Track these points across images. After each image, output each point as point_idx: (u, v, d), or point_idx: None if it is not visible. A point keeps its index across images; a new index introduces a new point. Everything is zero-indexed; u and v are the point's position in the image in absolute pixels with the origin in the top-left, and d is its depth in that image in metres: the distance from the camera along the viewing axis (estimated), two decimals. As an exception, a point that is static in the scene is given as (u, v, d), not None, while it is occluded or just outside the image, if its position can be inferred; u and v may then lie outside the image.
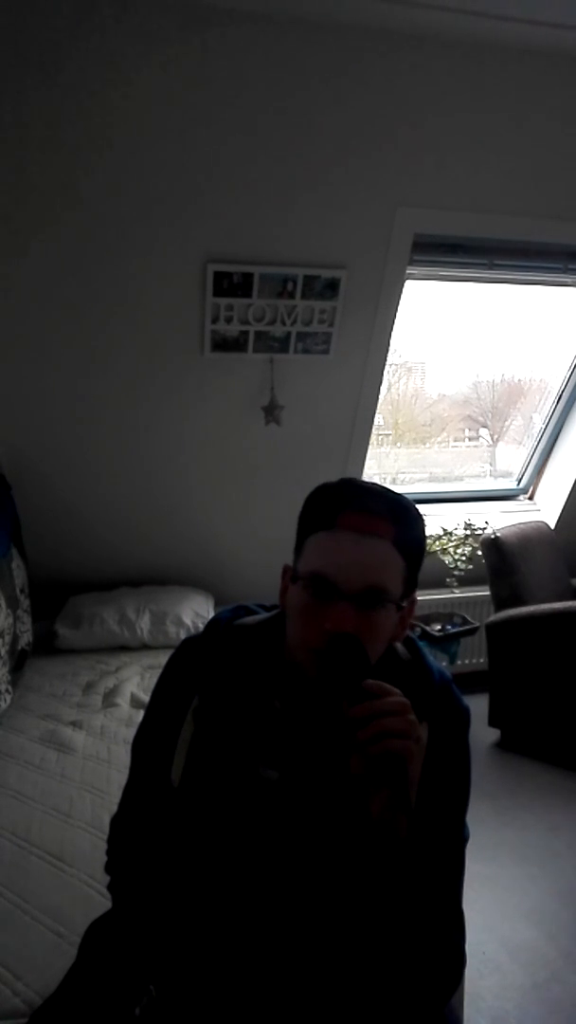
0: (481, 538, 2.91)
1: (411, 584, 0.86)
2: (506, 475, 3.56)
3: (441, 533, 2.94)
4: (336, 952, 0.84)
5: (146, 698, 2.18)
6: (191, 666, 0.96)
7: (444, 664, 2.91)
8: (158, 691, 1.00)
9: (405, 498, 0.86)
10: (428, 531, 3.05)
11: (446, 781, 0.86)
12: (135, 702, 2.18)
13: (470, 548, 2.94)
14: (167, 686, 0.98)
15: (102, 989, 0.92)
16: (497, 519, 3.13)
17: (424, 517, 0.88)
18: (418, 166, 2.15)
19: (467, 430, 3.68)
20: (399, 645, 0.93)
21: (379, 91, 1.98)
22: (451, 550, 2.93)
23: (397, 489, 0.87)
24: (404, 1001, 0.83)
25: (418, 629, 2.78)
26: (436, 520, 3.00)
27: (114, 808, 1.65)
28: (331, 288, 2.31)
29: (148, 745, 0.99)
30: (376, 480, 3.29)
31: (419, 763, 0.74)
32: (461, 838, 0.88)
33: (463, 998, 1.36)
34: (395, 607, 0.83)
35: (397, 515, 0.82)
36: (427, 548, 0.90)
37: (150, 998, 0.89)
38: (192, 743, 0.90)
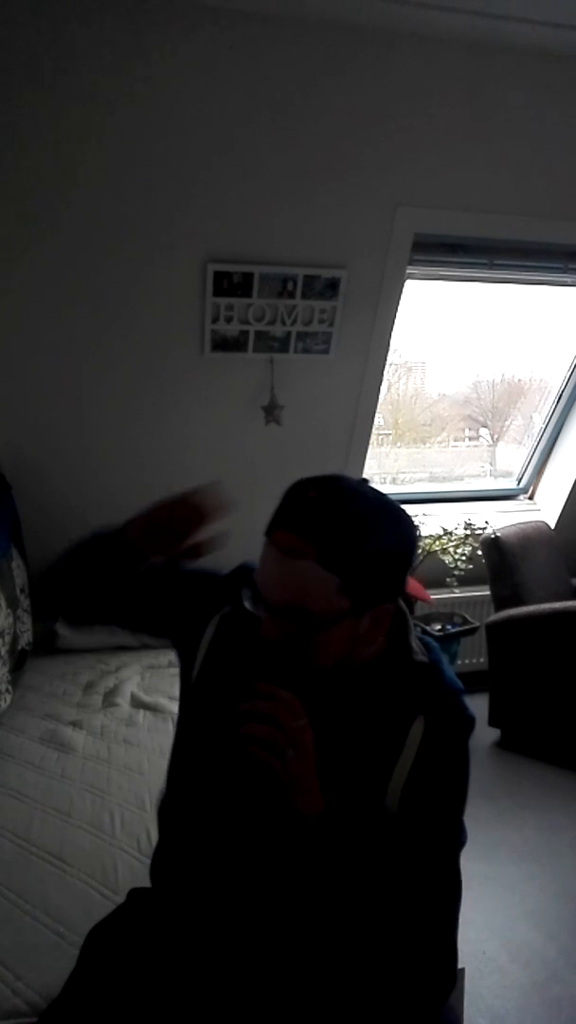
0: (481, 538, 2.91)
1: (364, 594, 0.82)
2: (506, 475, 3.56)
3: (441, 533, 2.94)
4: (319, 946, 0.85)
5: (146, 698, 2.19)
6: (236, 581, 0.99)
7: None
8: (203, 576, 1.06)
9: (344, 509, 0.81)
10: (427, 531, 3.03)
11: (439, 785, 0.85)
12: (135, 702, 2.18)
13: (470, 548, 2.94)
14: (212, 582, 1.04)
15: (105, 994, 0.92)
16: (497, 519, 3.13)
17: (373, 524, 0.82)
18: (418, 166, 2.15)
19: (467, 430, 3.68)
20: (416, 647, 0.92)
21: (379, 90, 1.98)
22: (451, 550, 2.93)
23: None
24: (392, 998, 0.83)
25: (418, 629, 2.78)
26: (436, 520, 3.00)
27: (114, 808, 1.67)
28: (331, 288, 2.31)
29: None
30: (376, 479, 3.30)
31: (297, 767, 0.78)
32: (455, 843, 0.87)
33: (463, 998, 1.36)
34: (323, 624, 0.81)
35: (321, 533, 0.79)
36: (399, 553, 0.86)
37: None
38: (210, 646, 0.97)
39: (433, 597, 3.10)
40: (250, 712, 0.78)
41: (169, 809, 1.03)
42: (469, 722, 0.89)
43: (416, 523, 0.88)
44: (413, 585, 0.93)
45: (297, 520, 0.80)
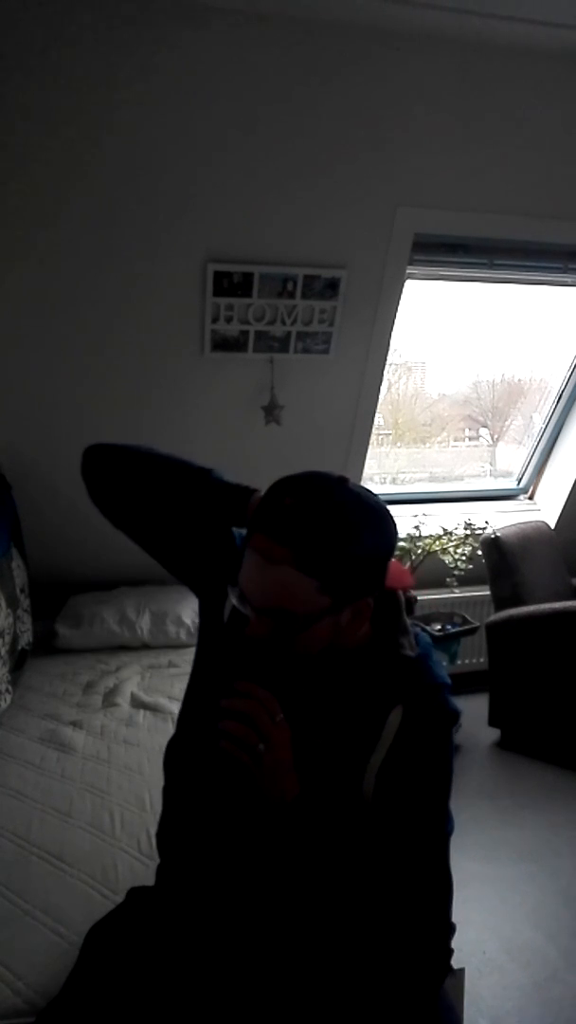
0: (481, 538, 2.91)
1: (344, 591, 0.84)
2: (506, 475, 3.56)
3: (441, 533, 2.94)
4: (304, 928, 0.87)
5: (146, 698, 2.19)
6: None
7: (444, 663, 2.91)
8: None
9: (320, 514, 0.82)
10: (427, 531, 3.02)
11: (415, 771, 0.87)
12: (135, 702, 2.18)
13: (470, 548, 2.94)
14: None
15: (104, 993, 0.93)
16: (497, 519, 3.13)
17: (348, 526, 0.83)
18: (418, 166, 2.14)
19: (467, 430, 3.68)
20: (405, 643, 0.93)
21: (379, 90, 1.98)
22: (451, 550, 2.93)
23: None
24: (385, 982, 0.84)
25: (417, 628, 2.78)
26: (436, 520, 3.00)
27: (114, 808, 1.67)
28: (331, 288, 2.31)
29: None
30: (376, 479, 3.30)
31: (268, 761, 0.83)
32: (439, 830, 0.88)
33: (463, 998, 1.36)
34: (306, 623, 0.83)
35: (297, 539, 0.81)
36: (374, 553, 0.88)
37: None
38: (233, 612, 0.98)
39: (433, 597, 3.11)
40: (228, 709, 0.83)
41: (173, 757, 1.10)
42: (451, 715, 0.90)
43: (392, 515, 0.89)
44: (395, 570, 0.94)
45: (273, 527, 0.82)
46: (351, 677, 0.90)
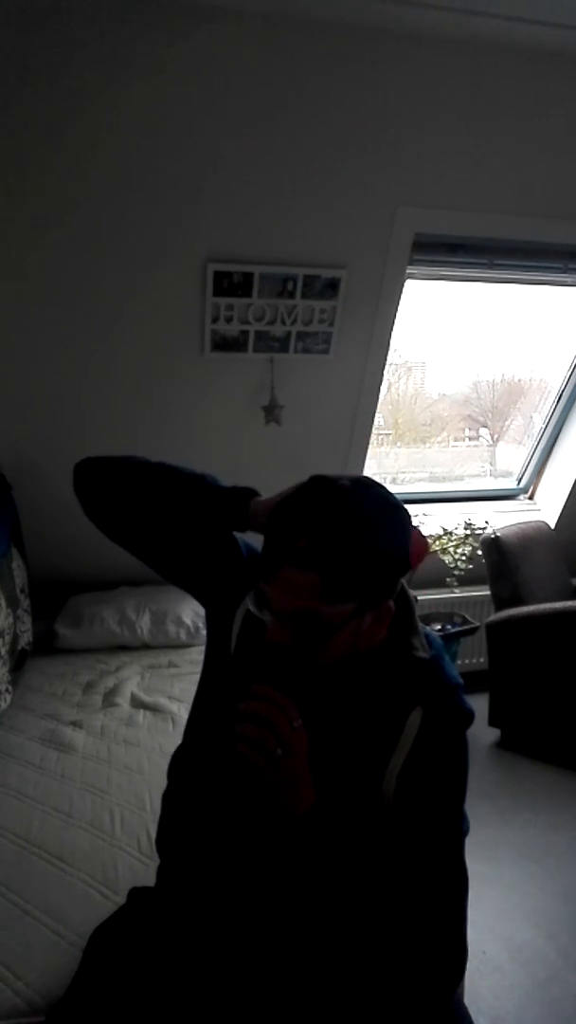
0: (481, 538, 2.91)
1: (368, 597, 0.85)
2: (506, 475, 3.56)
3: (441, 533, 2.94)
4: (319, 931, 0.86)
5: (146, 698, 2.19)
6: None
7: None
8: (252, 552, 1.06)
9: (339, 549, 0.81)
10: (427, 531, 3.02)
11: (436, 773, 0.87)
12: (135, 702, 2.18)
13: (470, 548, 2.94)
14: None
15: (110, 994, 0.93)
16: (497, 519, 3.13)
17: (370, 555, 0.83)
18: (418, 166, 2.14)
19: (467, 430, 3.68)
20: (418, 644, 0.93)
21: (380, 91, 1.98)
22: (451, 550, 2.93)
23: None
24: (401, 987, 0.83)
25: (427, 629, 2.78)
26: (436, 520, 3.01)
27: (114, 808, 1.67)
28: (331, 288, 2.31)
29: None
30: (376, 479, 3.29)
31: (285, 766, 0.81)
32: (456, 831, 0.88)
33: (463, 998, 1.36)
34: (332, 629, 0.83)
35: (322, 585, 0.81)
36: (396, 558, 0.88)
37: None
38: (244, 619, 0.98)
39: (433, 597, 3.11)
40: (246, 712, 0.82)
41: (179, 765, 1.08)
42: (467, 715, 0.90)
43: (404, 507, 0.89)
44: (417, 544, 0.95)
45: (295, 574, 0.81)
46: (366, 680, 0.90)
